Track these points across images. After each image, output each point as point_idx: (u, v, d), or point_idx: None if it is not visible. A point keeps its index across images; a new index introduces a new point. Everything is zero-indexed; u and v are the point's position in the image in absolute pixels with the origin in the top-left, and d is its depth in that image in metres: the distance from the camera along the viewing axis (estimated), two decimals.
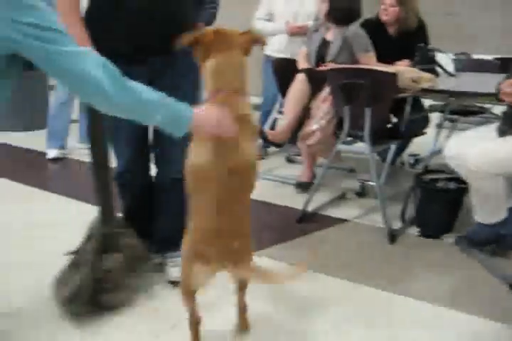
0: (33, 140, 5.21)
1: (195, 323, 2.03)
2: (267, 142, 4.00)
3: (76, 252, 2.35)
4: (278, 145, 4.39)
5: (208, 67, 1.95)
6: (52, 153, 4.78)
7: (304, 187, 3.90)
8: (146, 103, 1.68)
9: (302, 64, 3.93)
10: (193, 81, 2.47)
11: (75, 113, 5.00)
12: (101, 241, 2.33)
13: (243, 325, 2.22)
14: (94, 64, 1.58)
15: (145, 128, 2.52)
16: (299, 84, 3.77)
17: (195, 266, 1.90)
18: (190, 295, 1.98)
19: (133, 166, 2.57)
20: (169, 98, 1.77)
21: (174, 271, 2.56)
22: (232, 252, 1.90)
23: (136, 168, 2.59)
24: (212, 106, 1.84)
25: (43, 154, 4.80)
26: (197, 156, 1.92)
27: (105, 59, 1.65)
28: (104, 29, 2.32)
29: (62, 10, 2.20)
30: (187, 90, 2.44)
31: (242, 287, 2.15)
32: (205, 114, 1.81)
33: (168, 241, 2.62)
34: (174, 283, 2.53)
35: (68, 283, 2.29)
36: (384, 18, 4.06)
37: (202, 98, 2.54)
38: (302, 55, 3.99)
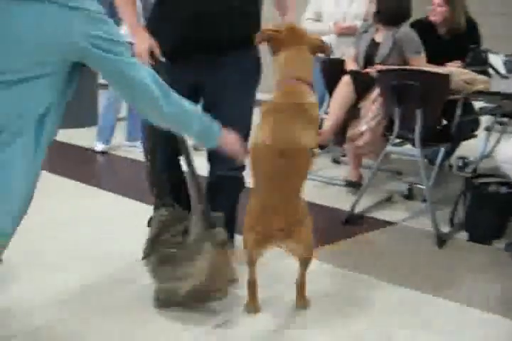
0: (80, 136, 5.34)
1: (252, 283, 2.32)
2: None
3: (155, 250, 2.34)
4: (320, 147, 4.36)
5: (278, 59, 2.22)
6: (99, 147, 5.02)
7: (353, 185, 3.89)
8: (187, 112, 1.81)
9: (349, 65, 3.90)
10: (243, 82, 2.49)
11: (123, 111, 5.12)
12: (203, 219, 2.32)
13: (300, 301, 2.36)
14: (147, 74, 1.69)
15: None
16: (344, 86, 3.73)
17: (251, 237, 2.18)
18: (250, 261, 2.27)
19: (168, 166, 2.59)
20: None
21: None
22: (282, 228, 2.12)
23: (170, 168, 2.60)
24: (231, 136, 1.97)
25: (90, 150, 4.98)
26: (256, 136, 2.17)
27: (152, 69, 1.76)
28: (159, 29, 2.42)
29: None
30: (236, 90, 2.47)
31: (302, 264, 2.31)
32: (228, 137, 1.95)
33: None
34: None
35: (187, 275, 2.24)
36: (432, 18, 4.01)
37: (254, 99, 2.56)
38: (350, 57, 3.96)
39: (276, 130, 2.13)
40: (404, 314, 2.36)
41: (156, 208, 2.46)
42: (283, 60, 2.21)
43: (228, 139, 1.95)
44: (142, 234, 2.44)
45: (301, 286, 2.37)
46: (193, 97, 2.51)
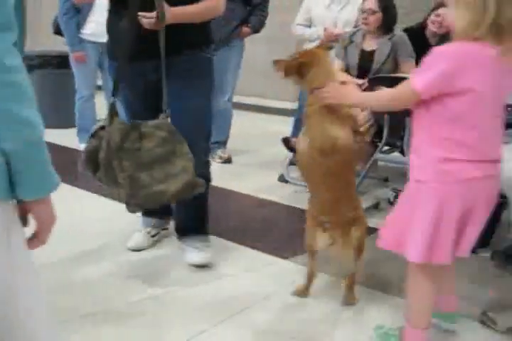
0: (64, 136, 5.31)
1: (310, 276, 2.55)
2: (292, 150, 3.89)
3: (124, 158, 2.34)
4: None
5: (309, 77, 2.31)
6: (82, 146, 4.93)
7: None
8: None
9: (341, 77, 3.85)
10: (190, 83, 2.59)
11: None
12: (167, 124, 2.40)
13: (350, 296, 2.52)
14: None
15: None
16: None
17: (312, 232, 2.38)
18: (310, 254, 2.51)
19: None
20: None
21: (194, 256, 2.75)
22: (335, 223, 2.32)
23: None
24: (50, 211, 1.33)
25: (75, 150, 4.95)
26: (298, 145, 2.35)
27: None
28: (113, 29, 2.60)
29: None
30: (184, 91, 2.58)
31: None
32: (49, 209, 1.31)
33: (186, 229, 2.83)
34: (197, 266, 2.73)
35: (169, 176, 2.32)
36: (435, 29, 4.00)
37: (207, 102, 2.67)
38: (338, 69, 3.91)
39: (310, 131, 2.30)
40: (396, 323, 2.34)
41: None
42: (310, 76, 2.31)
43: (46, 210, 1.29)
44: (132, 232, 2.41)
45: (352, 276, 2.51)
46: (155, 95, 2.53)
